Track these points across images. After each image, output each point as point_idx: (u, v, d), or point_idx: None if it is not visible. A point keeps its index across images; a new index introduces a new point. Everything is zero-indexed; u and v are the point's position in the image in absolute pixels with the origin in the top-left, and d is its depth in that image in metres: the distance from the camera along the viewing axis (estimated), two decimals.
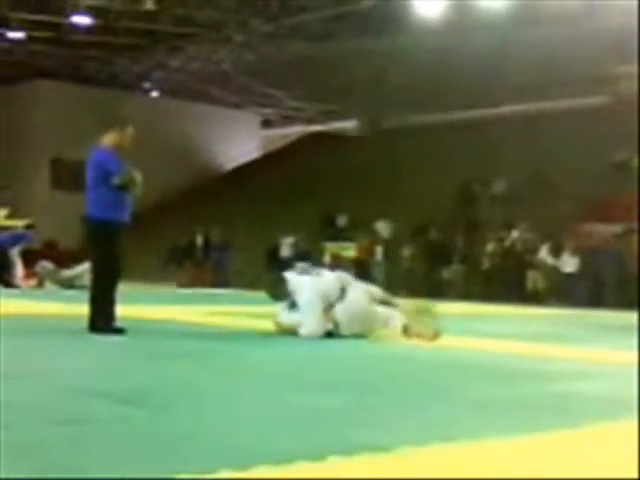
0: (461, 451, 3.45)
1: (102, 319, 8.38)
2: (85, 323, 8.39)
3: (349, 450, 3.31)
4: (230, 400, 4.71)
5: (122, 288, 8.89)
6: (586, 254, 22.42)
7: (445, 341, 8.80)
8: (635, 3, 24.54)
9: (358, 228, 27.60)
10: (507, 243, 24.19)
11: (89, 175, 8.61)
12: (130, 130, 8.74)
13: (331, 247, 27.53)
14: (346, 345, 8.20)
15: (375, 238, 26.33)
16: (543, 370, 6.69)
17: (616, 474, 3.19)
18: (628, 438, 3.91)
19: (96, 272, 8.69)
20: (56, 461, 3.11)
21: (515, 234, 24.08)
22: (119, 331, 8.30)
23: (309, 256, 23.02)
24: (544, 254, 23.18)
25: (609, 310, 18.53)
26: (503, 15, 27.41)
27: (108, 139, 8.67)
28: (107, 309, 8.44)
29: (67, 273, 21.32)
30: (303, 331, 8.59)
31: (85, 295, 8.79)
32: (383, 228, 26.97)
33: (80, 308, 8.66)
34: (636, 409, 4.63)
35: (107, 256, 8.50)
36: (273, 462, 3.07)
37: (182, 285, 26.53)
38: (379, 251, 26.20)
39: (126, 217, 8.61)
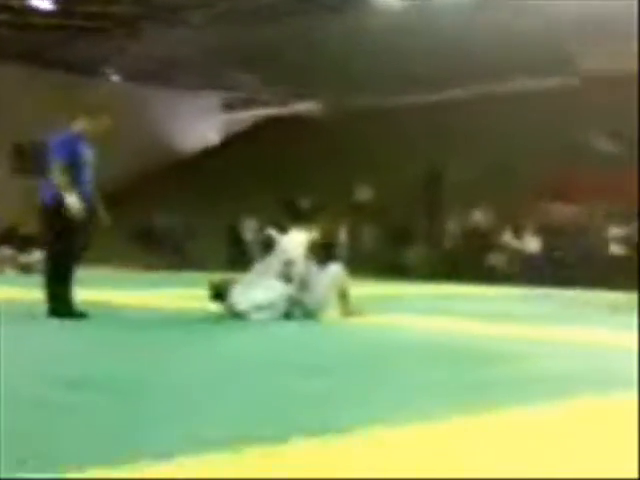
0: (409, 433, 3.43)
1: (60, 303, 8.27)
2: (44, 308, 8.30)
3: (312, 432, 3.27)
4: (199, 385, 4.66)
5: (83, 272, 8.80)
6: (549, 234, 22.58)
7: (407, 321, 8.81)
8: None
9: (321, 210, 27.56)
10: (469, 223, 24.31)
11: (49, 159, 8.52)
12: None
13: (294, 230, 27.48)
14: (300, 327, 8.19)
15: (338, 220, 26.33)
16: (503, 350, 6.68)
17: (580, 452, 3.18)
18: (590, 415, 3.91)
19: (50, 255, 8.57)
20: (22, 446, 3.07)
21: (477, 214, 24.19)
22: (79, 315, 8.21)
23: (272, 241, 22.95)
24: (508, 238, 23.31)
25: (574, 289, 18.63)
26: None
27: (77, 125, 8.57)
28: (65, 293, 8.33)
29: (27, 258, 21.13)
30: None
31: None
32: (364, 192, 27.12)
33: (39, 293, 8.55)
34: (606, 387, 4.63)
35: (61, 239, 8.38)
36: (229, 446, 3.04)
37: (147, 268, 26.39)
38: (343, 233, 26.21)
39: (85, 200, 8.46)
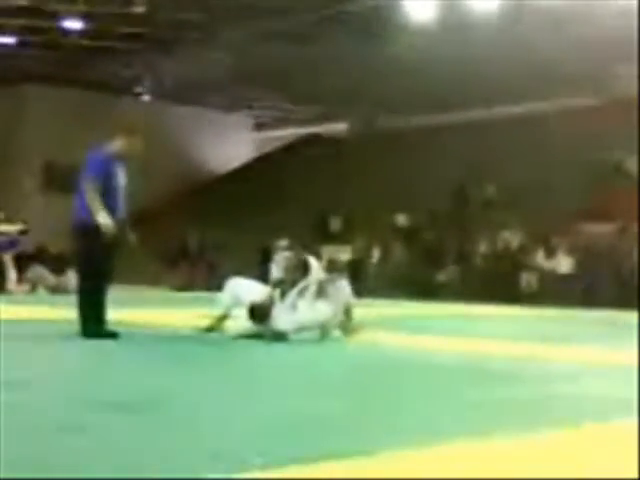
0: (446, 453, 3.41)
1: (92, 324, 8.30)
2: (76, 328, 8.33)
3: (334, 455, 3.26)
4: (223, 406, 4.66)
5: (116, 292, 8.84)
6: (581, 254, 22.44)
7: (433, 343, 8.79)
8: (632, 4, 24.56)
9: (353, 230, 27.60)
10: (500, 244, 24.23)
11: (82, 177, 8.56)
12: (141, 139, 8.74)
13: (327, 250, 27.49)
14: (322, 348, 8.17)
15: (371, 240, 26.35)
16: (534, 372, 6.64)
17: (604, 475, 3.15)
18: (618, 439, 3.87)
19: (83, 276, 8.62)
20: (54, 468, 3.07)
21: (507, 234, 24.11)
22: (111, 335, 8.23)
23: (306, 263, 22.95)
24: (540, 259, 23.19)
25: (606, 310, 18.49)
26: (495, 16, 27.39)
27: (115, 145, 8.61)
28: (97, 313, 8.36)
29: (59, 277, 21.25)
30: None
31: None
32: (402, 219, 27.20)
33: (71, 313, 8.59)
34: (631, 410, 4.59)
35: (93, 259, 8.42)
36: (259, 467, 3.05)
37: (177, 288, 26.46)
38: (376, 253, 26.22)
39: (117, 221, 8.50)
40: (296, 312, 8.80)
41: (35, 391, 4.94)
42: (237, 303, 9.15)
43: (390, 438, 3.72)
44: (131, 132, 8.71)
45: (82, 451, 3.40)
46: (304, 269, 9.02)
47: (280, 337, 8.54)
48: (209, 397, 4.99)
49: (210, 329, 9.12)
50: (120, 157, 8.60)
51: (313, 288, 8.95)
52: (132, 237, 8.84)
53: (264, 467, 3.06)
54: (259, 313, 8.79)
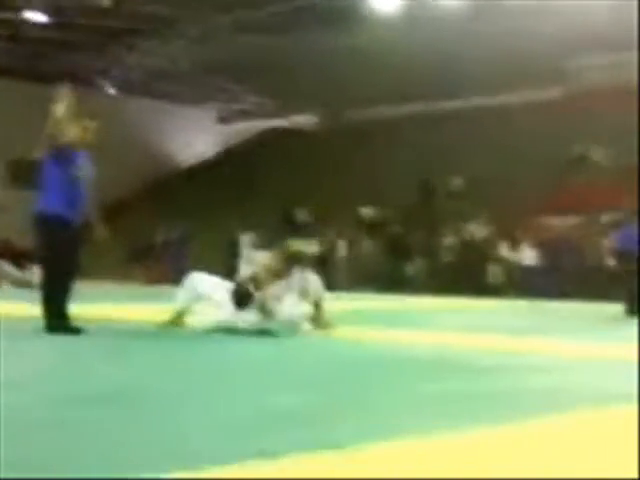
0: (413, 447, 3.41)
1: (56, 319, 8.24)
2: (41, 323, 8.26)
3: (302, 450, 3.26)
4: (191, 400, 4.65)
5: (83, 286, 8.77)
6: (545, 247, 22.59)
7: (402, 335, 8.80)
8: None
9: (320, 224, 27.59)
10: (465, 236, 24.35)
11: (46, 173, 8.45)
12: (92, 124, 8.52)
13: (293, 243, 27.43)
14: (293, 342, 8.17)
15: (338, 233, 26.35)
16: (501, 363, 6.67)
17: (574, 467, 3.16)
18: (589, 431, 3.89)
19: (46, 271, 8.54)
20: (36, 466, 3.06)
21: (472, 227, 24.23)
22: (75, 330, 8.16)
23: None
24: (504, 251, 23.34)
25: (570, 302, 18.63)
26: (460, 9, 27.49)
27: (67, 134, 8.43)
28: (62, 309, 8.29)
29: (24, 273, 21.09)
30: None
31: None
32: (368, 212, 27.21)
33: (37, 308, 8.52)
34: (604, 400, 4.62)
35: (57, 254, 8.35)
36: (227, 463, 3.04)
37: (145, 282, 26.39)
38: (342, 246, 26.24)
39: (77, 214, 8.43)
40: (299, 304, 8.89)
41: (7, 389, 4.88)
42: (197, 298, 9.09)
43: (360, 432, 3.72)
44: (81, 119, 8.48)
45: (61, 447, 3.39)
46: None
47: (288, 328, 8.57)
48: (178, 391, 4.97)
49: (169, 324, 9.00)
50: (74, 146, 8.40)
51: (297, 284, 8.95)
52: (102, 231, 8.74)
53: (231, 461, 3.05)
54: (242, 298, 8.71)
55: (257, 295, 8.66)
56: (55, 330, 8.12)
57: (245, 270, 9.22)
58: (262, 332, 8.45)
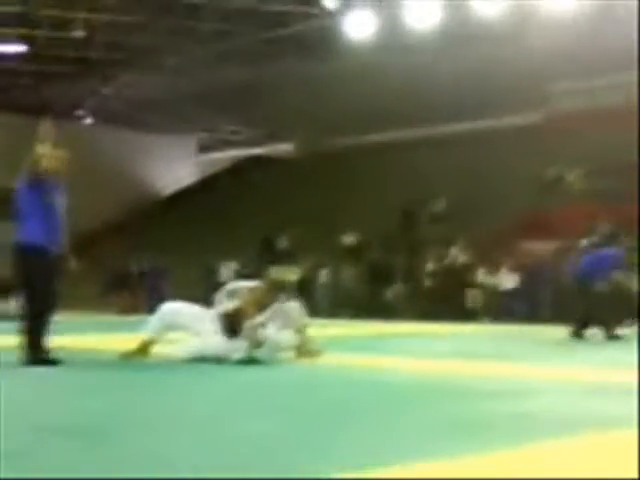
0: (400, 474, 3.39)
1: (36, 351, 8.17)
2: (18, 355, 8.20)
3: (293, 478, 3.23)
4: (170, 430, 4.61)
5: (59, 317, 8.71)
6: (524, 271, 22.65)
7: (385, 362, 8.78)
8: (569, 21, 24.99)
9: (300, 251, 27.56)
10: (446, 261, 24.39)
11: (19, 202, 8.41)
12: (63, 154, 8.44)
13: (275, 271, 27.34)
14: (274, 370, 8.13)
15: (319, 260, 26.34)
16: (482, 389, 6.66)
17: None
18: (571, 455, 3.88)
19: (29, 302, 8.46)
20: None
21: (454, 251, 24.27)
22: (54, 362, 8.10)
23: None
24: (481, 275, 23.40)
25: (547, 326, 18.64)
26: (435, 35, 27.65)
27: (34, 163, 8.37)
28: (41, 340, 8.23)
29: (2, 304, 20.94)
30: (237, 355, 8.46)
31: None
32: (349, 238, 27.26)
33: (14, 340, 8.45)
34: (581, 426, 4.62)
35: (37, 284, 8.29)
36: None
37: (121, 312, 26.24)
38: (323, 273, 26.23)
39: (56, 244, 8.39)
40: (283, 331, 8.85)
41: None
42: (169, 328, 8.96)
43: (340, 461, 3.69)
44: (56, 150, 8.39)
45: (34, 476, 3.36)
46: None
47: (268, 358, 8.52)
48: (150, 421, 4.93)
49: (134, 354, 8.75)
50: (39, 175, 8.29)
51: (279, 312, 8.90)
52: (73, 262, 8.71)
53: None
54: (230, 325, 8.60)
55: (244, 325, 8.58)
56: (34, 362, 8.06)
57: (227, 303, 9.03)
58: (249, 361, 8.39)
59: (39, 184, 8.28)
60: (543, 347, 12.54)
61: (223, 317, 8.73)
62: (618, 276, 14.46)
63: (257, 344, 8.50)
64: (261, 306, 8.81)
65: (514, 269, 22.95)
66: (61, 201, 8.48)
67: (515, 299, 22.46)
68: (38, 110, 38.35)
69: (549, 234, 23.94)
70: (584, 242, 22.89)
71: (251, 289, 9.03)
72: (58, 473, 3.46)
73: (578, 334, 13.71)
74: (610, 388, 6.59)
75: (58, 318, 8.76)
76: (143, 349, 8.81)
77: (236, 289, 9.14)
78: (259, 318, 8.66)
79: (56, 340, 8.58)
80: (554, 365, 8.92)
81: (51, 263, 8.34)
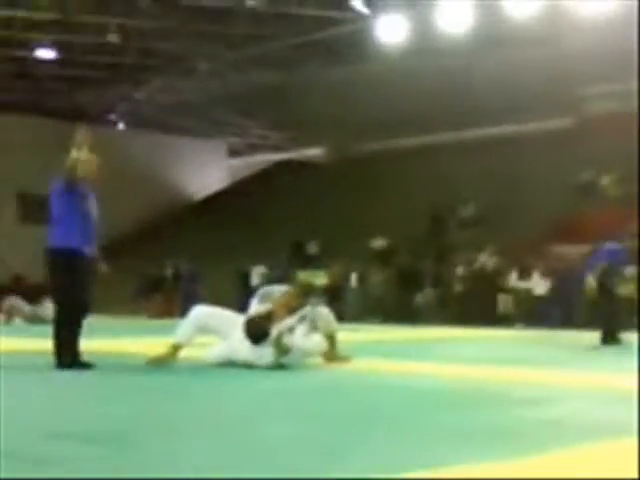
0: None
1: (68, 354, 8.25)
2: (52, 359, 8.27)
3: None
4: (195, 435, 4.64)
5: (91, 321, 8.78)
6: (556, 276, 22.52)
7: (415, 367, 8.77)
8: (599, 25, 24.82)
9: (329, 255, 27.60)
10: (476, 266, 24.30)
11: (54, 206, 8.51)
12: (92, 158, 8.46)
13: (302, 275, 27.44)
14: (301, 375, 8.13)
15: (349, 265, 26.33)
16: (514, 395, 6.65)
17: None
18: (601, 462, 3.88)
19: (59, 306, 8.55)
20: None
21: (483, 257, 24.18)
22: (86, 366, 8.17)
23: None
24: (513, 280, 23.27)
25: (580, 331, 18.53)
26: (466, 40, 27.57)
27: (67, 168, 8.45)
28: (73, 344, 8.31)
29: (35, 308, 21.13)
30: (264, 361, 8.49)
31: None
32: (379, 243, 27.23)
33: (48, 344, 8.53)
34: (613, 433, 4.60)
35: (69, 289, 8.37)
36: None
37: (152, 317, 26.38)
38: (353, 277, 26.23)
39: (90, 248, 8.48)
40: (311, 336, 8.83)
41: (7, 424, 4.89)
42: (202, 330, 8.87)
43: (369, 466, 3.71)
44: (79, 151, 8.42)
45: None
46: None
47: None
48: (176, 427, 4.96)
49: (162, 359, 8.67)
50: (75, 179, 8.35)
51: (309, 315, 8.88)
52: (103, 266, 8.80)
53: None
54: (258, 335, 8.58)
55: (272, 329, 8.57)
56: (66, 366, 8.14)
57: (259, 307, 9.00)
58: (277, 367, 8.40)
59: (74, 189, 8.38)
60: (575, 353, 12.48)
61: (250, 321, 8.70)
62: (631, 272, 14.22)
63: (284, 350, 8.52)
64: (290, 310, 8.80)
65: (546, 274, 22.83)
66: (93, 206, 8.59)
67: (548, 304, 22.33)
68: (71, 115, 38.79)
69: (581, 238, 23.80)
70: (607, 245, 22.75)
71: (282, 293, 9.03)
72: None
73: (605, 340, 13.48)
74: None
75: (90, 321, 8.84)
76: (172, 353, 8.71)
77: (268, 293, 9.13)
78: (288, 321, 8.65)
79: (87, 344, 8.66)
80: (585, 371, 8.87)
81: (85, 267, 8.43)
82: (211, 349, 9.02)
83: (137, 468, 3.71)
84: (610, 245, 14.01)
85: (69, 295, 8.37)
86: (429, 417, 5.47)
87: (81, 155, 8.30)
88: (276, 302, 8.82)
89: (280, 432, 4.68)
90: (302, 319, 8.81)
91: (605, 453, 4.12)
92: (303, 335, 8.74)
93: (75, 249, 8.34)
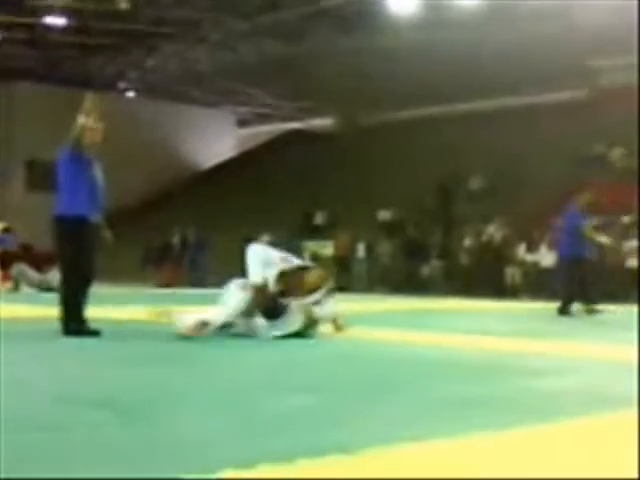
0: (432, 450, 3.43)
1: (75, 321, 8.30)
2: (59, 326, 8.32)
3: (319, 452, 3.28)
4: (203, 404, 4.68)
5: (99, 289, 8.81)
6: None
7: (419, 338, 8.81)
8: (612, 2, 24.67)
9: (336, 225, 27.62)
10: (484, 238, 24.29)
11: (60, 173, 8.52)
12: (90, 122, 8.34)
13: (310, 245, 27.50)
14: (307, 345, 8.19)
15: (356, 235, 26.36)
16: (518, 366, 6.68)
17: (593, 471, 3.17)
18: (604, 433, 3.90)
19: (65, 273, 8.60)
20: (34, 467, 3.09)
21: (491, 229, 24.16)
22: (93, 333, 8.22)
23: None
24: (522, 252, 23.26)
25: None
26: (478, 11, 27.43)
27: (73, 135, 8.41)
28: (79, 311, 8.35)
29: (43, 275, 21.20)
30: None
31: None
32: (385, 214, 27.29)
33: (55, 311, 8.57)
34: (614, 404, 4.63)
35: (75, 256, 8.41)
36: (240, 465, 3.05)
37: (160, 285, 26.45)
38: (361, 248, 26.26)
39: (96, 215, 8.51)
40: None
41: (17, 390, 4.94)
42: (266, 265, 8.78)
43: (370, 435, 3.74)
44: (87, 118, 8.37)
45: (66, 450, 3.42)
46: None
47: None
48: (192, 395, 5.00)
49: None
50: (81, 147, 8.34)
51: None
52: (108, 234, 8.82)
53: (243, 465, 3.07)
54: (274, 306, 8.61)
55: (298, 304, 8.61)
56: (73, 333, 8.19)
57: (263, 273, 8.92)
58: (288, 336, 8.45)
59: (80, 156, 8.39)
60: (579, 324, 12.51)
61: (265, 296, 8.61)
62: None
63: (313, 322, 8.64)
64: (313, 287, 8.85)
65: (553, 246, 22.81)
66: (99, 174, 8.59)
67: (556, 276, 22.31)
68: (82, 82, 38.76)
69: (589, 211, 23.75)
70: (626, 219, 22.77)
71: (313, 274, 8.99)
72: (88, 446, 3.54)
73: (562, 310, 13.75)
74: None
75: (97, 289, 8.87)
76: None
77: (269, 258, 9.02)
78: (316, 295, 8.72)
79: (94, 311, 8.70)
80: (587, 343, 8.90)
81: (90, 234, 8.45)
82: (188, 316, 8.63)
83: (146, 437, 3.73)
84: (572, 211, 14.25)
85: (75, 262, 8.40)
86: (432, 386, 5.50)
87: (88, 122, 8.30)
88: (305, 280, 8.82)
89: (288, 403, 4.72)
90: (328, 293, 8.86)
91: (605, 425, 4.14)
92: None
93: (81, 216, 8.36)
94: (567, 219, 14.45)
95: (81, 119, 8.28)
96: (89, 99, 8.41)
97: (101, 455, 3.34)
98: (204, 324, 8.26)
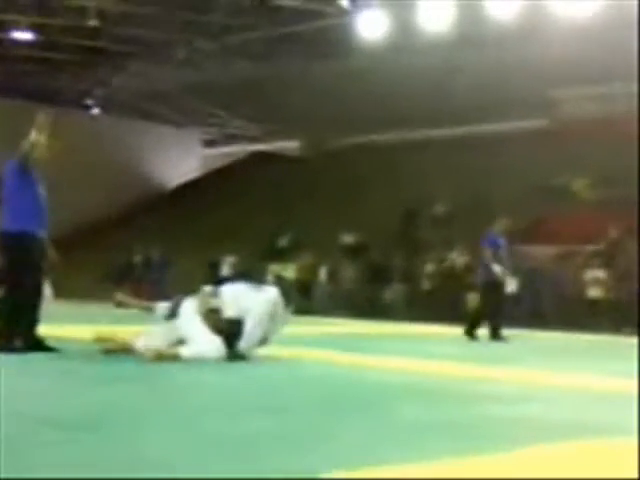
0: (394, 475, 3.39)
1: (28, 337, 8.16)
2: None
3: (276, 476, 3.23)
4: (164, 425, 4.61)
5: (57, 307, 8.70)
6: (525, 275, 22.59)
7: (380, 362, 8.78)
8: (576, 27, 24.93)
9: (300, 248, 27.56)
10: (447, 264, 24.35)
11: (6, 187, 8.40)
12: (41, 139, 8.26)
13: (274, 268, 27.37)
14: (262, 368, 8.09)
15: (319, 258, 26.31)
16: (474, 392, 6.66)
17: None
18: (562, 461, 3.88)
19: (8, 289, 8.45)
20: None
21: (454, 255, 24.23)
22: (51, 350, 8.10)
23: (248, 276, 22.85)
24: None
25: (548, 331, 18.65)
26: (445, 38, 27.60)
27: (21, 148, 8.34)
28: (31, 327, 8.20)
29: None
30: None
31: None
32: (348, 238, 27.22)
33: None
34: (572, 433, 4.62)
35: (22, 271, 8.27)
36: None
37: (117, 305, 26.17)
38: (323, 271, 26.22)
39: (42, 230, 8.39)
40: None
41: None
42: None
43: (326, 460, 3.69)
44: (38, 133, 8.24)
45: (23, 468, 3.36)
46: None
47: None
48: (143, 415, 4.93)
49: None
50: (29, 162, 8.24)
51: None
52: (53, 253, 8.72)
53: None
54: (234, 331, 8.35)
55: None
56: (22, 349, 8.05)
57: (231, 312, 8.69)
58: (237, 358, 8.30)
59: (28, 171, 8.28)
60: (540, 352, 12.53)
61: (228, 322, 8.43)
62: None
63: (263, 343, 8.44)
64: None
65: (515, 273, 22.88)
66: (44, 193, 8.48)
67: (516, 303, 22.38)
68: (47, 98, 38.53)
69: (551, 240, 23.93)
70: (590, 249, 22.92)
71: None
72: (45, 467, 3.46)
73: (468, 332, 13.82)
74: (608, 396, 6.57)
75: (59, 307, 8.75)
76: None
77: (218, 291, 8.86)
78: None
79: (52, 329, 8.59)
80: (548, 370, 8.90)
81: (37, 249, 8.33)
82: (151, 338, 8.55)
83: (102, 457, 3.69)
84: (487, 237, 14.40)
85: (20, 277, 8.27)
86: (389, 410, 5.46)
87: (40, 138, 8.20)
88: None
89: (247, 425, 4.66)
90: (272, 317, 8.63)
91: (561, 453, 4.12)
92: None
93: (25, 232, 8.24)
94: (482, 244, 14.62)
95: (32, 135, 8.19)
96: (42, 115, 8.32)
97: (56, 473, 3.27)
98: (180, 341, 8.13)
